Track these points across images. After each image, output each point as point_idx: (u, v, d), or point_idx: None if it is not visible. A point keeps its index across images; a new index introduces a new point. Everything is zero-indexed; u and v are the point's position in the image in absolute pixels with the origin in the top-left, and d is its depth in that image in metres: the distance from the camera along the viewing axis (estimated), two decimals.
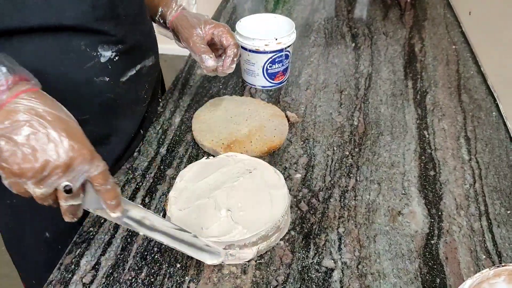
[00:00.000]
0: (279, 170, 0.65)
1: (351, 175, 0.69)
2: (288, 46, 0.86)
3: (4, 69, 0.43)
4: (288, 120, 0.79)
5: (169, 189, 0.65)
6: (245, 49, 0.85)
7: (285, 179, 0.63)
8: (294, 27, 0.87)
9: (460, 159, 0.72)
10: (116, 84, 0.65)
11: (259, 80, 0.89)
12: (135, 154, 0.74)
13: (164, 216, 0.62)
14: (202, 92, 0.89)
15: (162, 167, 0.71)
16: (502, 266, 0.46)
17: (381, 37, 1.08)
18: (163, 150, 0.75)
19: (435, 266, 0.56)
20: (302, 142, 0.76)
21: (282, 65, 0.88)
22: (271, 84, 0.89)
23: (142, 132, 0.76)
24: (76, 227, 0.61)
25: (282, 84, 0.91)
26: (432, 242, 0.59)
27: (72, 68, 0.59)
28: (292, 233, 0.60)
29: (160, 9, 0.77)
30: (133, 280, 0.55)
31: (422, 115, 0.82)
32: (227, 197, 0.60)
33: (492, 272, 0.46)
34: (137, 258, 0.57)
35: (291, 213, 0.63)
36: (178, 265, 0.56)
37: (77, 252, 0.58)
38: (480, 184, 0.67)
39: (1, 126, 0.41)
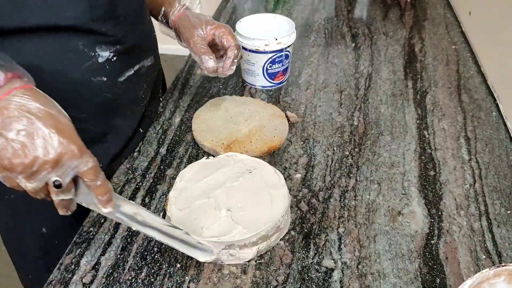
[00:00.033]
0: (279, 170, 0.65)
1: (351, 175, 0.69)
2: (288, 46, 0.86)
3: None
4: (288, 120, 0.79)
5: (169, 189, 0.65)
6: (245, 49, 0.85)
7: (285, 179, 0.63)
8: (294, 27, 0.87)
9: (460, 159, 0.72)
10: (114, 84, 0.65)
11: (259, 80, 0.89)
12: (135, 154, 0.74)
13: (164, 216, 0.62)
14: (202, 92, 0.89)
15: (162, 167, 0.71)
16: (502, 266, 0.46)
17: (381, 37, 1.08)
18: (163, 150, 0.75)
19: (435, 266, 0.56)
20: (302, 142, 0.76)
21: (282, 65, 0.88)
22: (271, 84, 0.89)
23: (141, 131, 0.76)
24: (76, 227, 0.61)
25: (282, 84, 0.91)
26: (432, 242, 0.59)
27: (70, 68, 0.60)
28: (292, 233, 0.60)
29: (163, 9, 0.77)
30: (133, 280, 0.55)
31: (422, 115, 0.82)
32: (227, 197, 0.60)
33: (492, 272, 0.46)
34: (137, 258, 0.57)
35: (291, 213, 0.63)
36: (178, 265, 0.56)
37: (77, 252, 0.58)
38: (480, 184, 0.67)
39: None
